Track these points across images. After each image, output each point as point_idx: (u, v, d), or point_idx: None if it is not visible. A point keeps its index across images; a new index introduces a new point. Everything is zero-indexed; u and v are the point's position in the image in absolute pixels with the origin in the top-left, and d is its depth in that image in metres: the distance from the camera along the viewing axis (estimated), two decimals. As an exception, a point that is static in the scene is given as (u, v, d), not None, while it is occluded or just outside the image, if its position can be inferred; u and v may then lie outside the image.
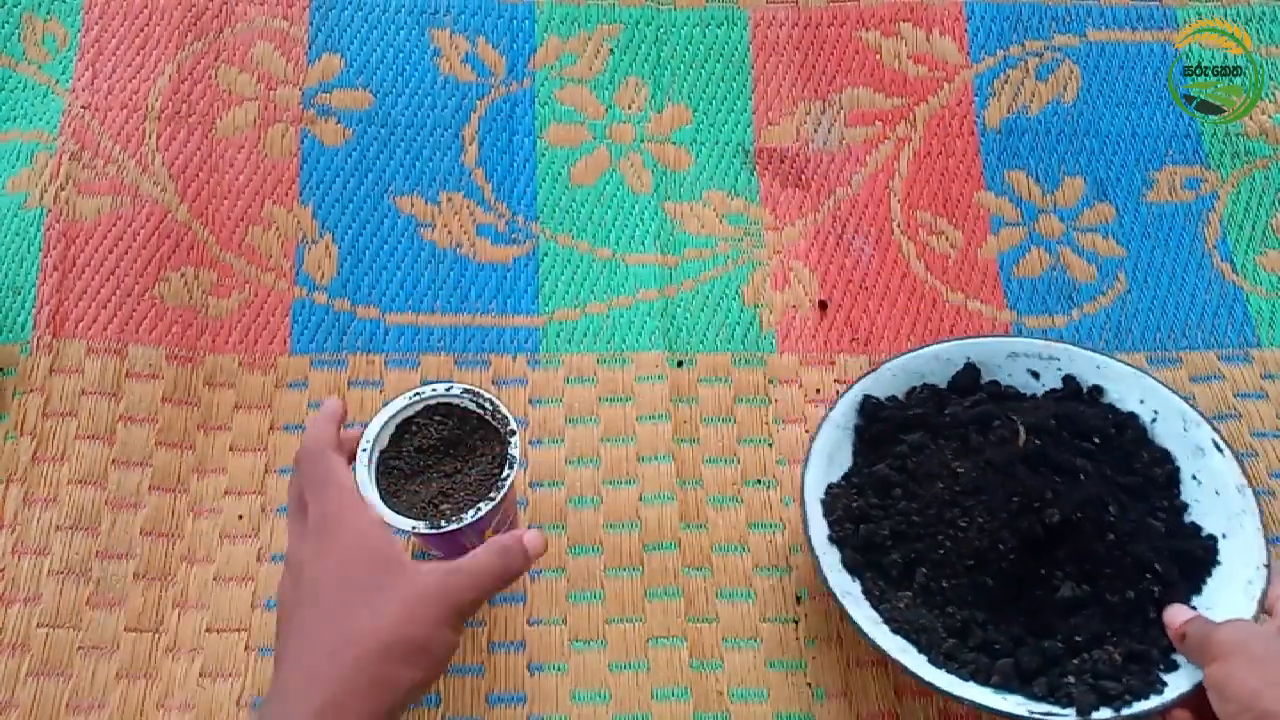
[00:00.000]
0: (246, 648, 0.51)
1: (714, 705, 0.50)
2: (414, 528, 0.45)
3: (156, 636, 0.51)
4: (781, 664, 0.51)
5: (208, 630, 0.51)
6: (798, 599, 0.53)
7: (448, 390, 0.49)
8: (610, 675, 0.51)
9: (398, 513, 0.46)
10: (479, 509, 0.46)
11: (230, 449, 0.56)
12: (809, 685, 0.51)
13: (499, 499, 0.46)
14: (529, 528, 0.48)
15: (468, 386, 0.49)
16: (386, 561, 0.42)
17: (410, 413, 0.49)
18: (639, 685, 0.51)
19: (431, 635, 0.40)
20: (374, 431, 0.48)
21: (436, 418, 0.49)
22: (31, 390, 0.55)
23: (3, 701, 0.49)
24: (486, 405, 0.49)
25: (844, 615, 0.46)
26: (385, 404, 0.49)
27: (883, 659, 0.51)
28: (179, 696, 0.50)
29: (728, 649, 0.52)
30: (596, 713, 0.50)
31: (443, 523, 0.45)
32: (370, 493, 0.46)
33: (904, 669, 0.45)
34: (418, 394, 0.49)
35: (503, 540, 0.44)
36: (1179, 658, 0.46)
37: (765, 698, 0.50)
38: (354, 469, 0.46)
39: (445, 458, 0.49)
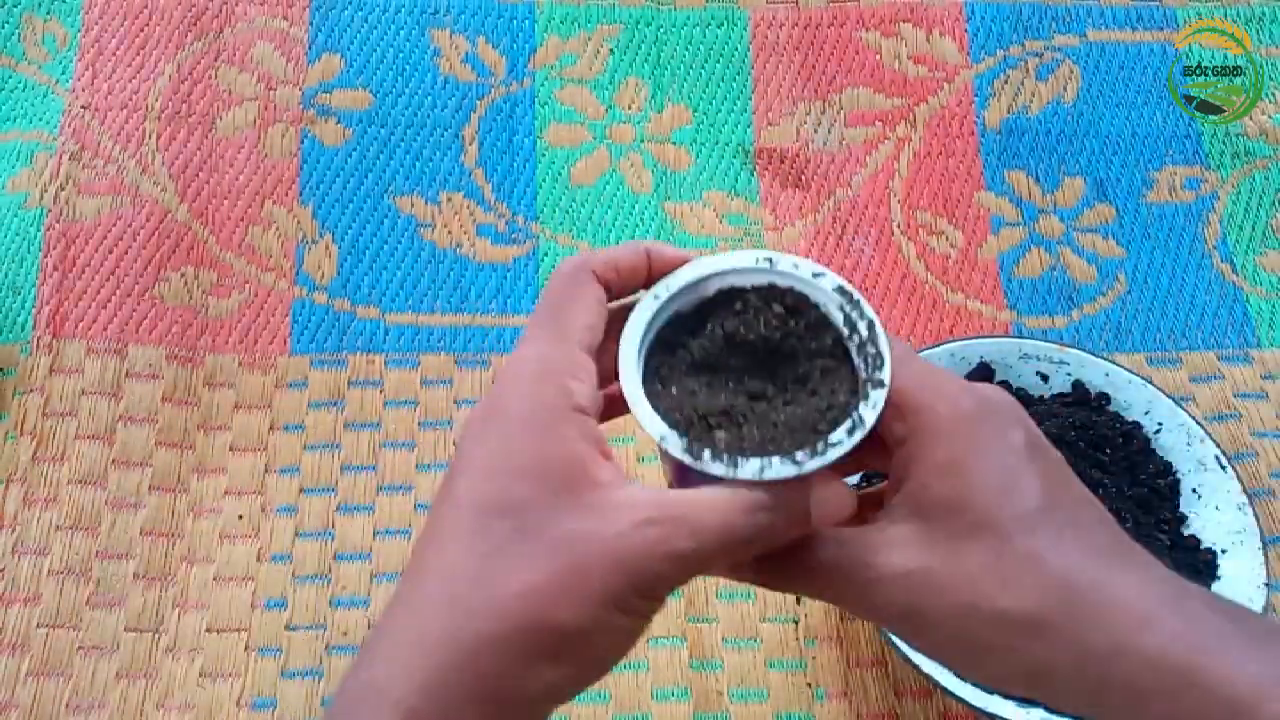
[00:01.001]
0: (246, 648, 0.51)
1: (714, 705, 0.50)
2: (662, 438, 0.28)
3: (156, 637, 0.51)
4: (781, 664, 0.51)
5: (208, 630, 0.51)
6: (798, 599, 0.53)
7: (815, 276, 0.32)
8: (610, 675, 0.51)
9: (655, 407, 0.30)
10: (768, 465, 0.28)
11: (230, 449, 0.56)
12: (809, 685, 0.51)
13: (805, 470, 0.28)
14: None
15: (846, 286, 0.32)
16: (562, 473, 0.26)
17: (748, 282, 0.32)
18: (639, 685, 0.51)
19: (589, 619, 0.25)
20: (684, 279, 0.32)
21: (778, 308, 0.32)
22: (31, 390, 0.55)
23: (3, 702, 0.49)
24: (861, 328, 0.31)
25: (879, 630, 0.46)
26: (714, 254, 0.33)
27: (883, 660, 0.51)
28: (179, 697, 0.50)
29: (728, 649, 0.52)
30: (596, 713, 0.50)
31: (707, 453, 0.28)
32: (630, 358, 0.30)
33: (934, 683, 0.45)
34: (770, 260, 0.32)
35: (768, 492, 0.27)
36: None
37: (765, 698, 0.50)
38: (627, 321, 0.31)
39: (760, 368, 0.32)
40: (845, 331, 0.31)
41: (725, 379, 0.32)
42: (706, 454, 0.28)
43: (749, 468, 0.28)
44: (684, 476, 0.30)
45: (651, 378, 0.31)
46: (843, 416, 0.29)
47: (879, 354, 0.30)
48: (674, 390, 0.31)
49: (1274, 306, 0.63)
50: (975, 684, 0.45)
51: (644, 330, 0.31)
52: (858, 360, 0.31)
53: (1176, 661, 0.25)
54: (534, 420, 0.27)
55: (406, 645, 0.26)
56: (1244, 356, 0.61)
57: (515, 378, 0.28)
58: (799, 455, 0.28)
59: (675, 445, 0.28)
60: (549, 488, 0.26)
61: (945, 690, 0.45)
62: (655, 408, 0.29)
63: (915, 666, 0.45)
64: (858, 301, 0.31)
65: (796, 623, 0.52)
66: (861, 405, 0.29)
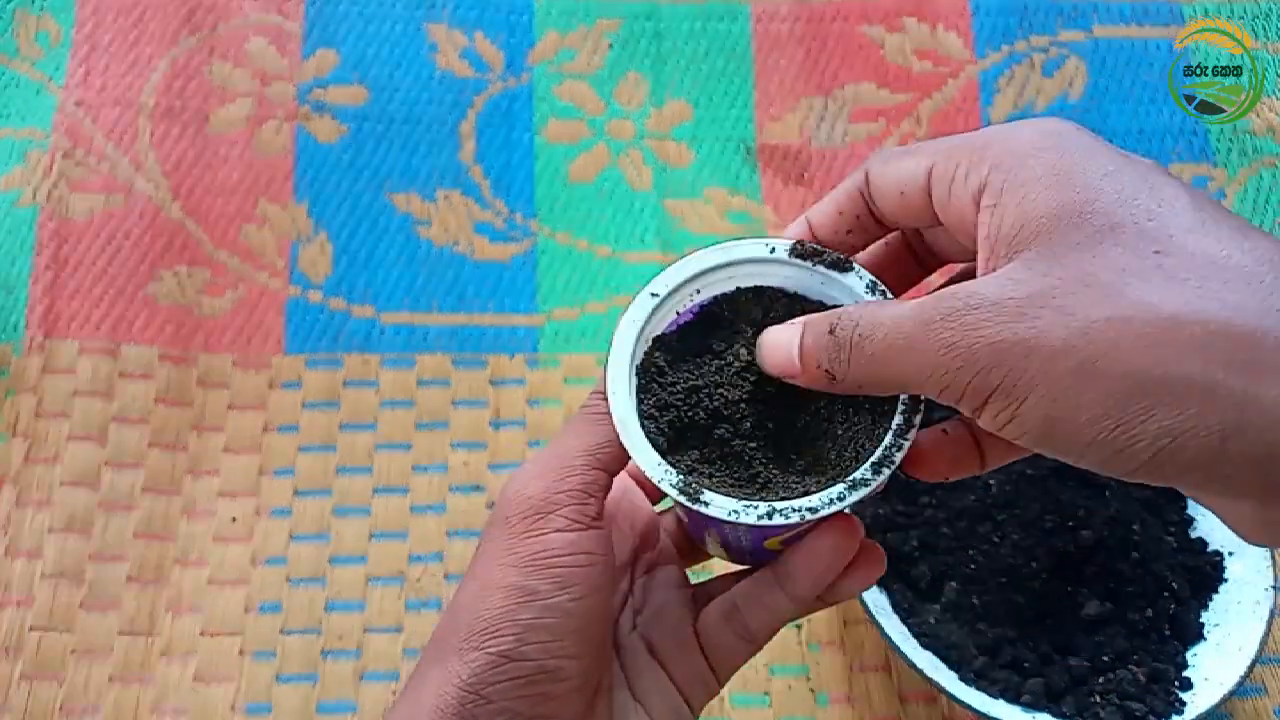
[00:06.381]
0: (241, 652, 0.50)
1: (715, 711, 0.50)
2: (677, 481, 0.26)
3: (150, 640, 0.51)
4: (783, 669, 0.51)
5: (201, 634, 0.51)
6: (799, 602, 0.53)
7: (813, 266, 0.27)
8: (609, 680, 0.50)
9: (663, 454, 0.26)
10: (805, 508, 0.25)
11: (224, 450, 0.55)
12: (811, 691, 0.50)
13: (850, 499, 0.25)
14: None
15: (878, 283, 0.27)
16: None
17: (724, 290, 0.28)
18: (638, 690, 0.50)
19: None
20: (656, 296, 0.28)
21: (766, 309, 0.28)
22: (24, 390, 0.55)
23: (-5, 706, 0.48)
24: None
25: (882, 635, 0.45)
26: (683, 256, 0.28)
27: (887, 665, 0.51)
28: (173, 701, 0.49)
29: (728, 653, 0.51)
30: (595, 718, 0.50)
31: (769, 509, 0.25)
32: (620, 399, 0.27)
33: (939, 688, 0.44)
34: (734, 249, 0.27)
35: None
36: (1192, 674, 0.45)
37: (767, 703, 0.50)
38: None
39: (764, 388, 0.28)
40: None
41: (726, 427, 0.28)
42: (770, 510, 0.25)
43: (788, 512, 0.25)
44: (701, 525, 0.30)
45: (649, 416, 0.27)
46: (875, 436, 0.26)
47: None
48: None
49: (1282, 305, 0.62)
50: (1006, 701, 0.44)
51: (629, 370, 0.28)
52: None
53: None
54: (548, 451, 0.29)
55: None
56: (1252, 356, 0.60)
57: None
58: (843, 487, 0.25)
59: (681, 497, 0.25)
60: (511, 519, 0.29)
61: (950, 696, 0.44)
62: (664, 455, 0.27)
63: (919, 671, 0.44)
64: (877, 283, 0.27)
65: (799, 627, 0.52)
66: (894, 429, 0.26)
